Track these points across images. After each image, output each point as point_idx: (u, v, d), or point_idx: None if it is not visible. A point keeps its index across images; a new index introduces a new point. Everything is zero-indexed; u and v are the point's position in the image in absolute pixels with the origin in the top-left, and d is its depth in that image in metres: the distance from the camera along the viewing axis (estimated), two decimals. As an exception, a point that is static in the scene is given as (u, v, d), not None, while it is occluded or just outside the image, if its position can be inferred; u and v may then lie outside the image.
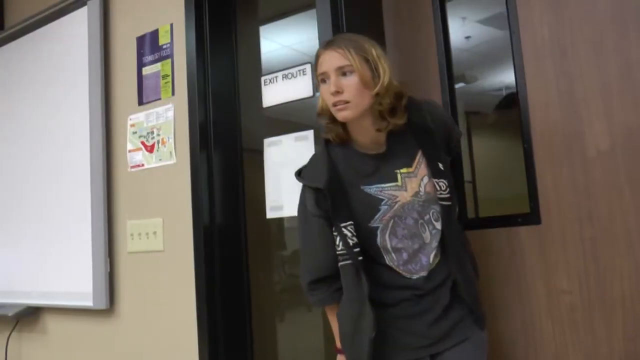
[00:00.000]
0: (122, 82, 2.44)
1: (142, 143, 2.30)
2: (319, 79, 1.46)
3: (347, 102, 1.40)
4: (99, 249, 2.38)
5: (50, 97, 2.75)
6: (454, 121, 1.57)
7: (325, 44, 1.46)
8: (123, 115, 2.41)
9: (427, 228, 1.46)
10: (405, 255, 1.46)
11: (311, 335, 2.19)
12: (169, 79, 2.23)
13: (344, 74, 1.40)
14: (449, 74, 1.85)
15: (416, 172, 1.45)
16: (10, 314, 2.66)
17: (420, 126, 1.46)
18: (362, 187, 1.46)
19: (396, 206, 1.44)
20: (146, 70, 2.32)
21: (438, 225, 1.46)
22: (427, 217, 1.45)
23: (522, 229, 1.67)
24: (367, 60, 1.41)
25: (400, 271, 1.46)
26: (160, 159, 2.23)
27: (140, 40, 2.36)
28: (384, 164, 1.46)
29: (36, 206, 2.72)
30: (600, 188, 1.55)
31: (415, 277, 1.45)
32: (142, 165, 2.30)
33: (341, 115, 1.41)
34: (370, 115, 1.44)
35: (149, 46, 2.32)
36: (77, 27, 2.61)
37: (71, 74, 2.63)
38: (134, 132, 2.33)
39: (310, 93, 1.90)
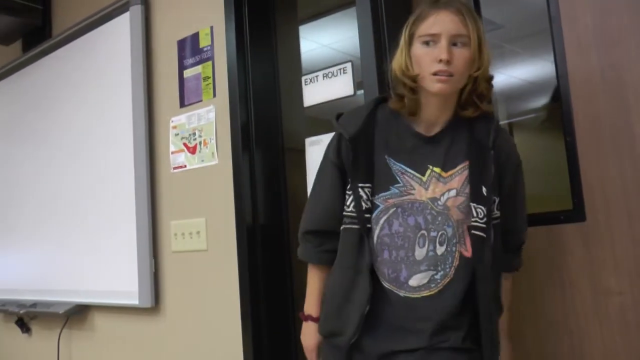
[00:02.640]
0: (164, 85, 2.48)
1: (185, 144, 2.33)
2: (416, 39, 1.28)
3: (451, 75, 1.25)
4: (144, 248, 2.43)
5: (95, 101, 2.81)
6: (520, 163, 1.38)
7: (440, 3, 1.29)
8: (165, 117, 2.45)
9: (424, 244, 1.29)
10: (385, 254, 1.31)
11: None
12: (210, 80, 2.26)
13: (455, 44, 1.25)
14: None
15: (449, 180, 1.30)
16: (60, 311, 2.75)
17: (479, 139, 1.31)
18: (386, 157, 1.33)
19: (406, 197, 1.31)
20: (187, 73, 2.36)
21: (439, 250, 1.28)
22: (432, 233, 1.29)
23: (565, 226, 1.60)
24: (478, 37, 1.27)
25: (375, 267, 1.32)
26: (202, 160, 2.26)
27: (181, 43, 2.40)
28: (424, 151, 1.32)
29: (84, 208, 2.79)
30: (651, 183, 1.48)
31: (385, 284, 1.31)
32: (185, 166, 2.34)
33: (439, 87, 1.25)
34: (456, 95, 1.32)
35: (190, 49, 2.36)
36: (120, 32, 2.67)
37: (115, 78, 2.69)
38: (176, 134, 2.37)
39: (351, 92, 1.90)
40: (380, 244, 1.31)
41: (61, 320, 2.85)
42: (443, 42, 1.24)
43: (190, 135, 2.31)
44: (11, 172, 3.37)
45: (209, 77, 2.26)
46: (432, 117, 1.33)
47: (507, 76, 2.15)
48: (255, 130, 2.17)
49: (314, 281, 1.43)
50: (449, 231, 1.29)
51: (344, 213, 1.34)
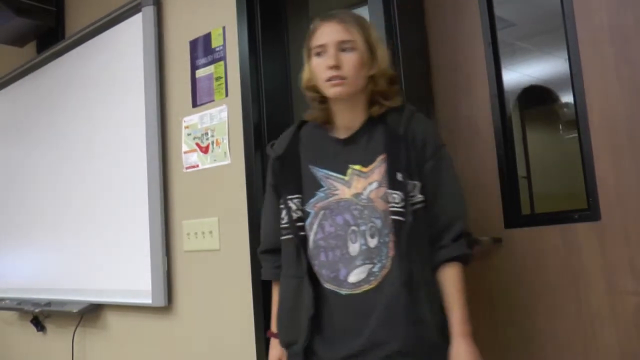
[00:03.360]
0: (176, 85, 2.49)
1: (197, 144, 2.34)
2: (312, 52, 1.40)
3: (343, 78, 1.35)
4: (157, 248, 2.44)
5: (108, 101, 2.83)
6: (439, 146, 1.41)
7: (326, 16, 1.40)
8: (178, 117, 2.46)
9: (356, 240, 1.35)
10: (323, 257, 1.38)
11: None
12: (222, 80, 2.26)
13: (344, 50, 1.36)
14: (497, 65, 1.82)
15: (369, 174, 1.37)
16: (75, 310, 2.78)
17: (392, 131, 1.38)
18: (310, 166, 1.43)
19: (332, 198, 1.39)
20: (199, 73, 2.36)
21: (371, 243, 1.34)
22: (362, 227, 1.35)
23: (579, 225, 1.60)
24: (368, 40, 1.37)
25: (314, 270, 1.39)
26: (215, 160, 2.27)
27: (193, 43, 2.41)
28: (344, 153, 1.41)
29: (97, 208, 2.81)
30: (668, 181, 1.46)
31: (327, 285, 1.37)
32: (197, 166, 2.34)
33: (334, 91, 1.36)
34: (361, 96, 1.41)
35: (202, 49, 2.37)
36: (133, 33, 2.68)
37: (127, 78, 2.71)
38: (189, 134, 2.38)
39: (363, 90, 1.90)
40: (316, 248, 1.39)
41: (75, 319, 2.87)
42: (330, 50, 1.35)
43: (202, 135, 2.32)
44: (26, 173, 3.40)
45: (221, 77, 2.27)
46: (347, 121, 1.43)
47: (520, 74, 2.13)
48: (268, 130, 2.17)
49: (274, 298, 1.51)
50: (378, 223, 1.34)
51: (281, 226, 1.45)
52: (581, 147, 1.60)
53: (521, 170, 1.82)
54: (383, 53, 1.40)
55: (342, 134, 1.44)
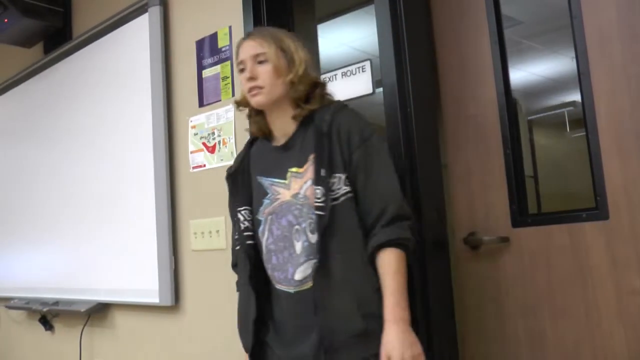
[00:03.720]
0: (183, 85, 2.50)
1: (204, 144, 2.35)
2: (238, 69, 1.52)
3: (260, 87, 1.46)
4: (164, 247, 2.45)
5: (115, 101, 2.84)
6: (367, 136, 1.45)
7: (245, 35, 1.55)
8: (184, 117, 2.47)
9: (300, 238, 1.43)
10: (274, 260, 1.47)
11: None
12: (229, 80, 2.27)
13: (260, 62, 1.46)
14: (503, 64, 1.81)
15: (304, 173, 1.45)
16: (82, 309, 2.79)
17: (319, 129, 1.45)
18: (257, 177, 1.54)
19: (276, 203, 1.48)
20: (206, 73, 2.37)
21: (312, 239, 1.41)
22: (303, 225, 1.43)
23: (587, 224, 1.59)
24: (282, 50, 1.47)
25: (268, 274, 1.50)
26: (221, 159, 2.27)
27: (200, 43, 2.42)
28: (283, 159, 1.50)
29: (104, 207, 2.82)
30: (676, 179, 1.45)
31: (279, 287, 1.47)
32: (204, 165, 2.35)
33: (255, 100, 1.47)
34: (286, 103, 1.49)
35: (208, 49, 2.37)
36: (139, 33, 2.69)
37: (134, 78, 2.71)
38: (195, 134, 2.39)
39: (370, 90, 1.90)
40: (268, 252, 1.49)
41: (83, 318, 2.88)
42: (248, 65, 1.47)
43: (209, 134, 2.33)
44: (33, 172, 3.41)
45: (227, 77, 2.27)
46: (281, 128, 1.53)
47: (526, 73, 2.13)
48: (274, 129, 2.16)
49: None
50: (315, 218, 1.40)
51: (235, 238, 1.58)
52: (589, 146, 1.60)
53: (528, 169, 1.82)
54: (301, 60, 1.48)
55: (280, 141, 1.53)
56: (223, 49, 2.31)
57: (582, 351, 1.58)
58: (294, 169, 1.47)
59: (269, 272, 1.49)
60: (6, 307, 3.51)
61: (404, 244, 1.38)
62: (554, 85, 2.03)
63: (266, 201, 1.50)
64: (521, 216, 1.75)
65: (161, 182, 2.48)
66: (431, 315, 1.69)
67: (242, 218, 1.54)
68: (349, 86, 1.96)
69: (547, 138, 1.96)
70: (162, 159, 2.49)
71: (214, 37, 2.35)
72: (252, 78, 1.47)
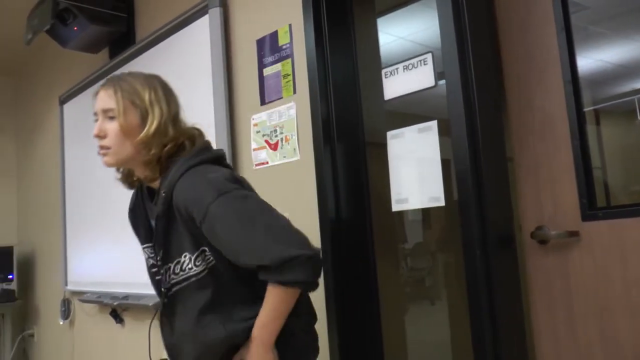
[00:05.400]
0: (244, 84, 2.54)
1: (266, 141, 2.38)
2: (94, 120, 1.42)
3: (108, 148, 1.36)
4: (229, 243, 2.49)
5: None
6: (206, 206, 1.33)
7: (102, 82, 1.42)
8: (246, 115, 2.51)
9: None
10: None
11: (438, 329, 2.17)
12: (290, 78, 2.29)
13: (111, 118, 1.36)
14: (570, 51, 1.76)
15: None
16: (150, 304, 2.89)
17: (161, 209, 1.38)
18: (151, 219, 1.48)
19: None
20: (267, 71, 2.40)
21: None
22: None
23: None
24: (135, 105, 1.35)
25: None
26: (284, 156, 2.30)
27: (260, 42, 2.45)
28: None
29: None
30: None
31: None
32: (267, 162, 2.38)
33: (103, 161, 1.39)
34: (140, 163, 1.38)
35: (269, 47, 2.40)
36: (200, 35, 2.75)
37: (196, 79, 2.78)
38: (257, 132, 2.43)
39: (432, 83, 1.88)
40: None
41: (151, 312, 2.97)
42: (99, 119, 1.37)
43: (271, 132, 2.36)
44: (102, 171, 3.53)
45: (288, 75, 2.30)
46: (148, 181, 1.45)
47: (594, 60, 2.06)
48: (336, 125, 2.17)
49: None
50: None
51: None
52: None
53: (595, 161, 1.77)
54: (154, 117, 1.36)
55: (153, 195, 1.48)
56: (284, 47, 2.33)
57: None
58: None
59: None
60: (80, 300, 3.68)
61: (290, 284, 1.34)
62: (623, 72, 1.95)
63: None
64: (591, 209, 1.70)
65: (225, 179, 2.52)
66: (498, 315, 1.65)
67: (146, 256, 1.53)
68: (410, 80, 1.94)
69: (615, 127, 1.88)
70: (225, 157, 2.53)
71: (274, 35, 2.38)
72: (98, 136, 1.38)
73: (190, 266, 1.37)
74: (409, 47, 2.13)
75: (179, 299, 1.43)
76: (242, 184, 1.44)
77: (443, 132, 1.86)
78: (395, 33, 2.30)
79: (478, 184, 1.70)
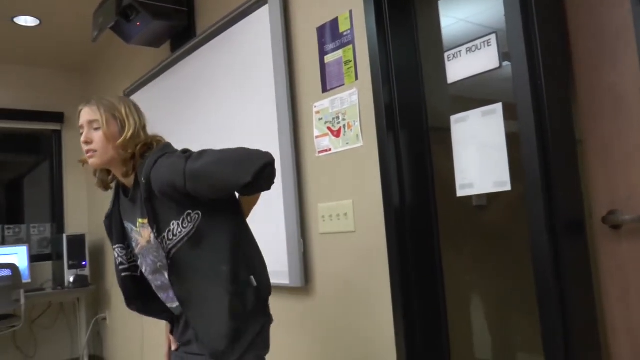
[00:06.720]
0: (305, 72, 2.56)
1: (329, 128, 2.40)
2: (80, 132, 1.75)
3: (95, 151, 1.71)
4: (293, 230, 2.54)
5: (240, 93, 2.97)
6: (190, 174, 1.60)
7: (84, 103, 1.77)
8: (308, 103, 2.53)
9: (163, 273, 1.74)
10: (154, 285, 1.82)
11: (502, 320, 2.13)
12: (352, 64, 2.29)
13: (96, 128, 1.71)
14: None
15: (147, 224, 1.69)
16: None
17: (142, 192, 1.67)
18: (124, 221, 1.83)
19: (138, 247, 1.79)
20: (328, 58, 2.41)
21: (164, 279, 1.74)
22: (159, 264, 1.73)
23: None
24: (114, 117, 1.72)
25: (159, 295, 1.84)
26: (347, 143, 2.31)
27: (321, 30, 2.46)
28: (133, 209, 1.76)
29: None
30: None
31: (170, 304, 1.82)
32: (329, 149, 2.40)
33: (90, 162, 1.74)
34: (120, 162, 1.74)
35: (330, 35, 2.41)
36: (260, 25, 2.79)
37: (257, 69, 2.82)
38: (320, 119, 2.44)
39: (497, 64, 1.83)
40: (150, 280, 1.82)
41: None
42: (85, 130, 1.73)
43: (334, 119, 2.37)
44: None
45: (350, 61, 2.30)
46: (126, 183, 1.80)
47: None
48: (399, 111, 2.16)
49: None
50: (164, 261, 1.70)
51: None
52: None
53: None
54: (129, 126, 1.72)
55: (129, 193, 1.79)
56: (345, 34, 2.33)
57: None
58: (140, 220, 1.73)
59: (157, 292, 1.83)
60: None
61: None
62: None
63: (132, 243, 1.82)
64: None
65: (288, 167, 2.56)
66: (568, 305, 1.60)
67: (116, 255, 1.86)
68: (474, 62, 1.90)
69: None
70: (287, 144, 2.57)
71: (334, 22, 2.39)
72: (86, 142, 1.72)
73: (179, 230, 1.66)
74: (470, 29, 2.09)
75: (179, 258, 1.69)
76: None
77: (508, 115, 1.82)
78: (456, 15, 2.26)
79: (546, 168, 1.65)
